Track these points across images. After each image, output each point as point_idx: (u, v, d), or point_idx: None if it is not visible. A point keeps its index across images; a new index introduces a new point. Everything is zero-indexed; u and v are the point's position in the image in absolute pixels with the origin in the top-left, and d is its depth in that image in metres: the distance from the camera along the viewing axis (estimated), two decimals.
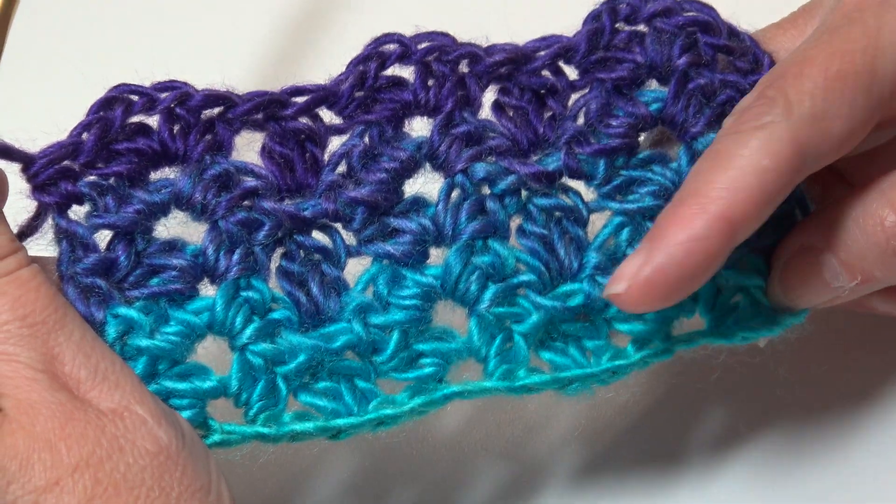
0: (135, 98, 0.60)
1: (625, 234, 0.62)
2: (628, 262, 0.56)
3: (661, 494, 0.68)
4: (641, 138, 0.64)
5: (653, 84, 0.64)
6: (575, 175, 0.62)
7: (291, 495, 0.66)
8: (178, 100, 0.60)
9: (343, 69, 0.63)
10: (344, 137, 0.63)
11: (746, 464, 0.69)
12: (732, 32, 0.64)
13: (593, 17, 0.64)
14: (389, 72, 0.64)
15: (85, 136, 0.59)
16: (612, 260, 0.62)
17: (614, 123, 0.62)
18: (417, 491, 0.68)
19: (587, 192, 0.63)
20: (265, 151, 0.61)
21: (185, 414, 0.57)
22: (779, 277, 0.62)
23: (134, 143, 0.59)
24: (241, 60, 0.81)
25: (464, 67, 0.63)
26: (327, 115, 0.63)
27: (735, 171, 0.56)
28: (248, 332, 0.58)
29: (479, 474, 0.68)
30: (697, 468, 0.69)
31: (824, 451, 0.69)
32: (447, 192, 0.61)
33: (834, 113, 0.57)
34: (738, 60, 0.63)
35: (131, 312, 0.57)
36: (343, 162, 0.62)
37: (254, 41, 0.84)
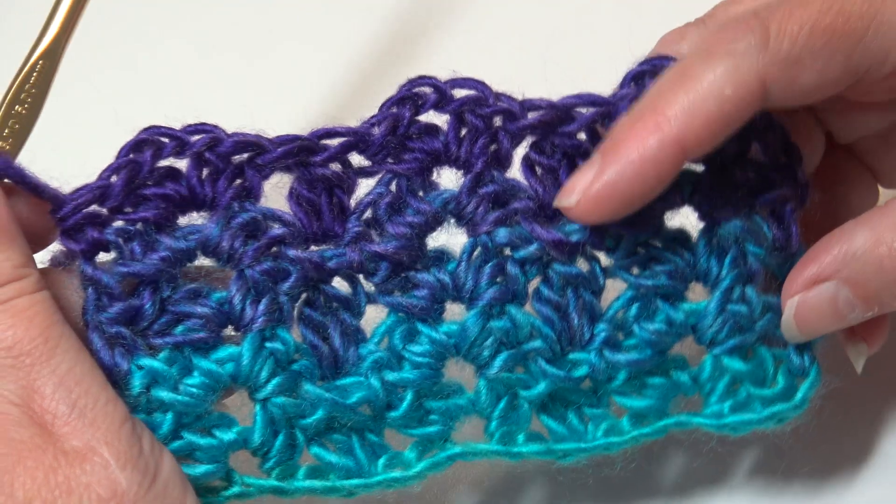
0: (165, 140, 0.59)
1: (634, 309, 0.63)
2: (580, 174, 0.58)
3: None
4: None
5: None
6: (598, 247, 0.63)
7: None
8: (208, 145, 0.59)
9: (376, 109, 0.62)
10: (371, 180, 0.63)
11: None
12: (769, 123, 0.63)
13: (633, 77, 0.63)
14: (422, 117, 0.63)
15: (114, 178, 0.58)
16: (620, 332, 0.63)
17: None
18: None
19: (604, 258, 0.64)
20: (293, 196, 0.61)
21: (208, 468, 0.59)
22: (794, 312, 0.62)
23: (162, 188, 0.59)
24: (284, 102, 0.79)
25: (498, 121, 0.63)
26: (356, 156, 0.63)
27: (696, 95, 0.56)
28: (271, 386, 0.59)
29: None
30: None
31: None
32: (470, 252, 0.62)
33: (808, 63, 0.57)
34: (768, 147, 0.63)
35: (154, 364, 0.58)
36: (369, 209, 0.62)
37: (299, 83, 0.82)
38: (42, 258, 0.59)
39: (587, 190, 0.57)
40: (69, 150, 0.62)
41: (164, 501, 0.55)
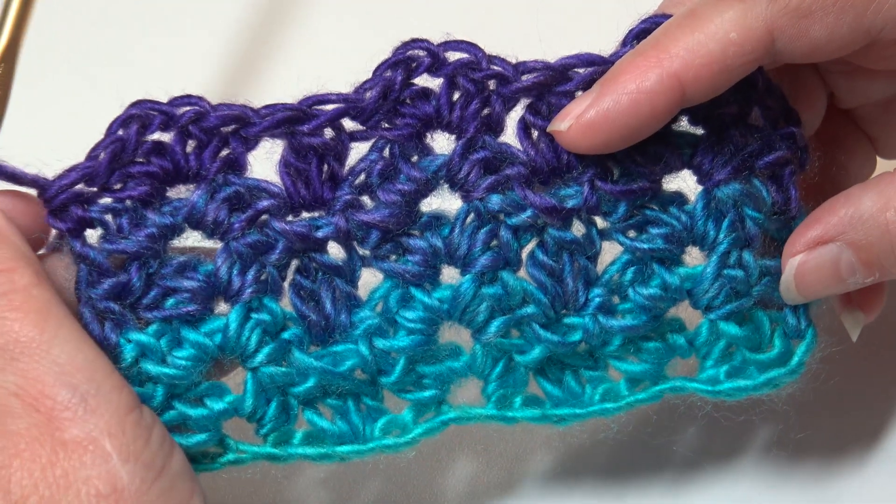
0: (153, 115, 0.59)
1: (630, 273, 0.62)
2: (577, 101, 0.59)
3: None
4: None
5: (683, 121, 0.62)
6: (593, 212, 0.62)
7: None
8: (193, 119, 0.59)
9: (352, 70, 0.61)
10: (363, 144, 0.62)
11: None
12: (768, 87, 0.62)
13: (636, 35, 0.61)
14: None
15: (101, 156, 0.58)
16: (616, 296, 0.63)
17: (640, 160, 0.61)
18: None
19: (600, 220, 0.63)
20: (283, 164, 0.61)
21: (201, 436, 0.59)
22: (794, 272, 0.62)
23: (147, 165, 0.59)
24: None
25: (491, 85, 0.62)
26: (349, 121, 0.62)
27: (701, 36, 0.57)
28: (261, 356, 0.60)
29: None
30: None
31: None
32: (463, 218, 0.61)
33: (819, 17, 0.57)
34: (768, 112, 0.62)
35: (142, 337, 0.58)
36: (361, 175, 0.62)
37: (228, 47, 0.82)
38: None
39: (580, 116, 0.58)
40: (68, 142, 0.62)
41: (168, 499, 0.54)
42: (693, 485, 0.71)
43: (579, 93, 0.61)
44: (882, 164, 0.71)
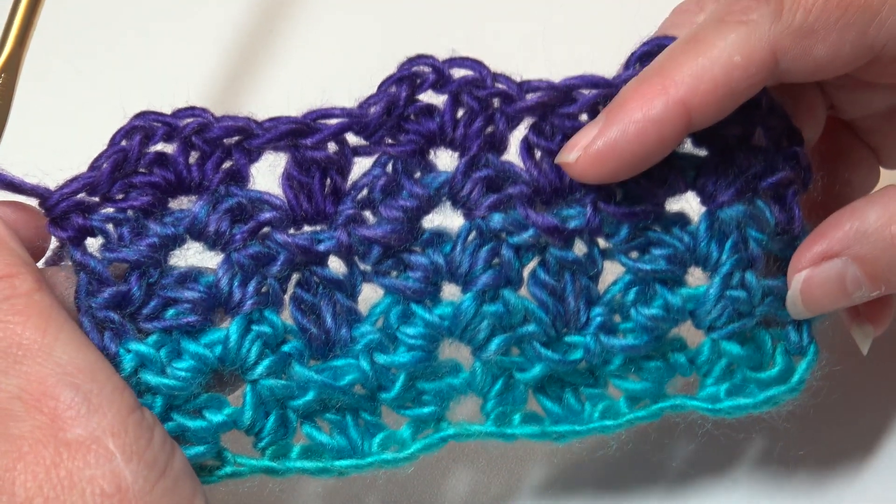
0: (157, 126, 0.59)
1: (632, 294, 0.62)
2: (584, 131, 0.58)
3: None
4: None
5: (686, 143, 0.62)
6: (596, 233, 0.62)
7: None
8: (196, 130, 0.59)
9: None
10: (366, 160, 0.62)
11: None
12: (771, 107, 0.62)
13: (638, 58, 0.61)
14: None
15: (104, 167, 0.58)
16: (617, 315, 0.63)
17: (643, 182, 0.61)
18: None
19: (602, 240, 0.63)
20: (285, 177, 0.61)
21: (199, 449, 0.59)
22: (800, 287, 0.62)
23: (150, 176, 0.59)
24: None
25: (495, 103, 0.62)
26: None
27: (705, 61, 0.57)
28: (261, 368, 0.60)
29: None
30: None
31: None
32: (465, 235, 0.61)
33: (822, 35, 0.57)
34: (771, 132, 0.62)
35: (142, 348, 0.58)
36: (364, 190, 0.62)
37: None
38: None
39: (588, 147, 0.57)
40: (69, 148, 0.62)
41: (171, 498, 0.54)
42: (690, 498, 0.71)
43: (583, 116, 0.62)
44: (885, 174, 0.71)
